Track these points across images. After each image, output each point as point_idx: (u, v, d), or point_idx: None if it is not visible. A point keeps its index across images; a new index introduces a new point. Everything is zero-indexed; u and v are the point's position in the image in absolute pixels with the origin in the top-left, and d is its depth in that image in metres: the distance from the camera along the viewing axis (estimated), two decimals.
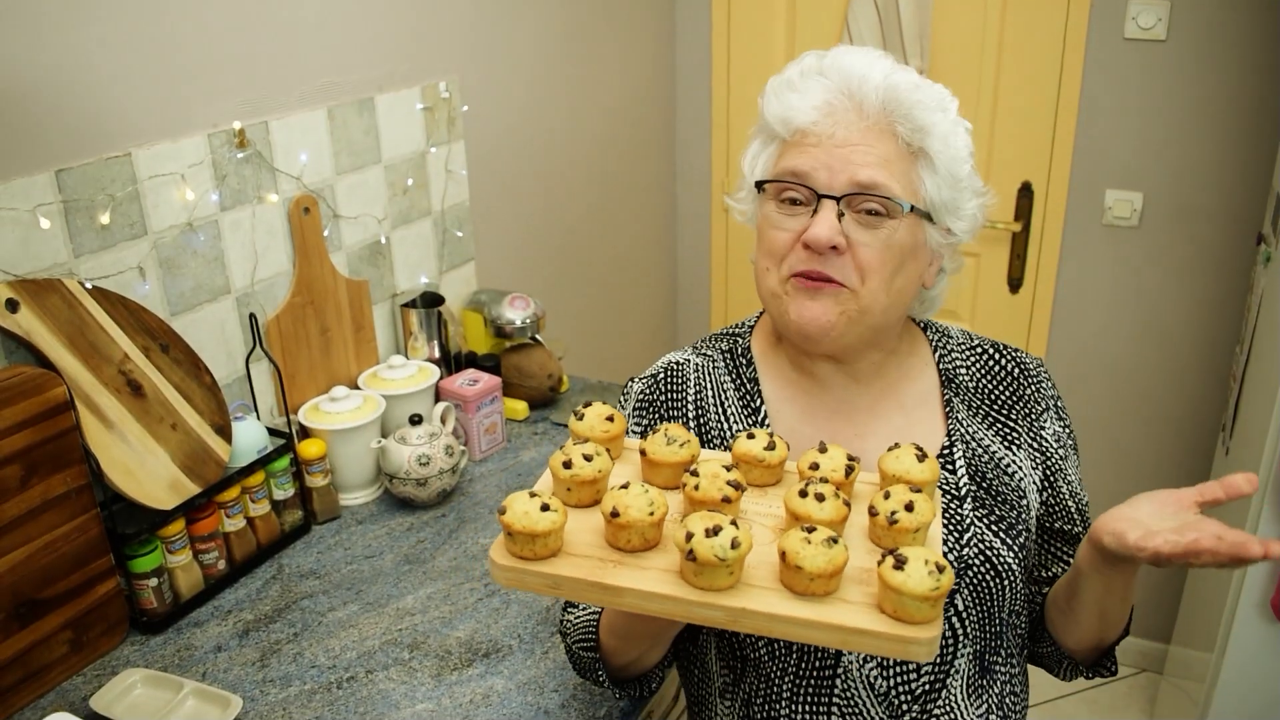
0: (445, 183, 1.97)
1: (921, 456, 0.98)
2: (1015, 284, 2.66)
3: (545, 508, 0.89)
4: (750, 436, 1.01)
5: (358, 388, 1.78)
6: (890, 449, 1.01)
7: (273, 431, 1.58)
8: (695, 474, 0.94)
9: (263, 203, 1.59)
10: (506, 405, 1.94)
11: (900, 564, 0.83)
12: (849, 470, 0.98)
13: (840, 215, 1.00)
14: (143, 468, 1.36)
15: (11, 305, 1.23)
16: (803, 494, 0.92)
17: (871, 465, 1.07)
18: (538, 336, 2.02)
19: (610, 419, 1.04)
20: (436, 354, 1.90)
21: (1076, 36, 2.38)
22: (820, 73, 1.05)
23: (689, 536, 0.85)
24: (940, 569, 0.82)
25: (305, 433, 1.65)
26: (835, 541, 0.85)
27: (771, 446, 1.00)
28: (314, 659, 1.32)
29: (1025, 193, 2.55)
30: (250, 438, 1.51)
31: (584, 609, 1.13)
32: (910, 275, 1.06)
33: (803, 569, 0.84)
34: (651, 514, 0.90)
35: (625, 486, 0.91)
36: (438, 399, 1.81)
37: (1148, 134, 2.40)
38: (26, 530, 1.22)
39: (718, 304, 3.12)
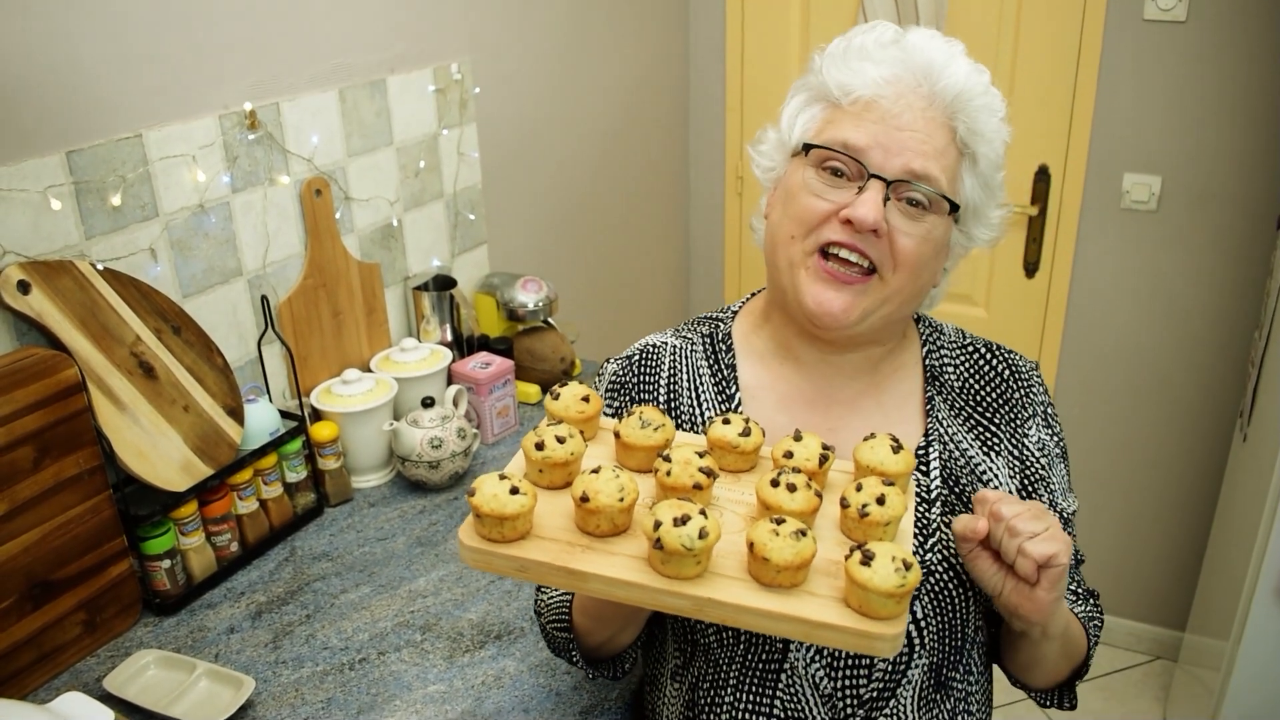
0: (457, 165, 1.96)
1: (896, 448, 0.97)
2: (1031, 268, 2.64)
3: (515, 490, 0.88)
4: (726, 422, 1.00)
5: (370, 370, 1.78)
6: (866, 439, 0.99)
7: (285, 414, 1.57)
8: (668, 459, 0.93)
9: (274, 184, 1.59)
10: (519, 388, 1.93)
11: (867, 559, 0.83)
12: (823, 459, 0.97)
13: (885, 200, 0.97)
14: (155, 449, 1.36)
15: (23, 287, 1.23)
16: (774, 483, 0.92)
17: (846, 456, 1.06)
18: (550, 319, 2.01)
19: (586, 399, 1.03)
20: (449, 337, 1.89)
21: (1095, 17, 2.35)
22: (898, 48, 1.01)
23: (656, 525, 0.85)
24: (907, 565, 0.82)
25: (317, 415, 1.65)
26: (804, 534, 0.85)
27: (747, 432, 0.99)
28: (326, 640, 1.32)
29: (1042, 176, 2.53)
30: (262, 420, 1.51)
31: (556, 589, 1.11)
32: (932, 272, 1.04)
33: (770, 560, 0.84)
34: (621, 500, 0.89)
35: (597, 471, 0.91)
36: (450, 382, 1.81)
37: (1167, 117, 2.37)
38: (39, 512, 1.22)
39: (730, 287, 3.10)
